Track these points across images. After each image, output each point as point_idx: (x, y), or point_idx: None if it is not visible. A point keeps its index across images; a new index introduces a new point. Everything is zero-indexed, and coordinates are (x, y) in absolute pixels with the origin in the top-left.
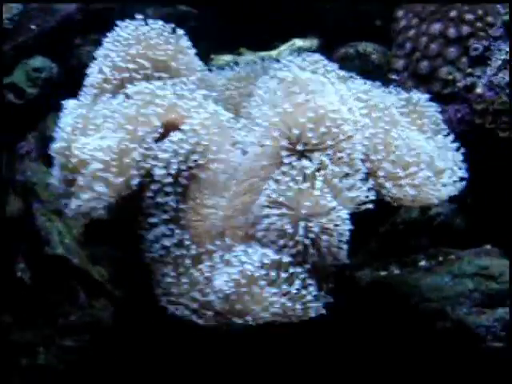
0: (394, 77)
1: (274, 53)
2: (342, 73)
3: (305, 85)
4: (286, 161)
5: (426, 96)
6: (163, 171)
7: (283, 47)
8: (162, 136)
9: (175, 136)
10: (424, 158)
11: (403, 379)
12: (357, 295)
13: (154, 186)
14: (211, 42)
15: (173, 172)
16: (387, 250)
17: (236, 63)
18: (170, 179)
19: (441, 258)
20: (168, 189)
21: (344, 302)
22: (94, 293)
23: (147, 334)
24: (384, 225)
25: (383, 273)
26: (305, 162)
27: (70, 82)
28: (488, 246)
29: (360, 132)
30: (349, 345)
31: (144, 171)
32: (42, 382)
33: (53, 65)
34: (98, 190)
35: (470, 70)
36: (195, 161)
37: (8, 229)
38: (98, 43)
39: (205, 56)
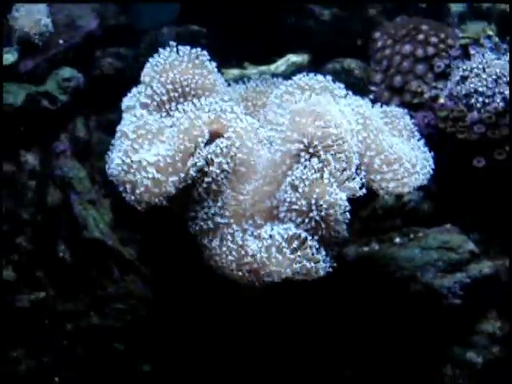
0: (372, 88)
1: (273, 67)
2: (342, 91)
3: (314, 104)
4: (302, 159)
5: (401, 109)
6: (216, 166)
7: (280, 62)
8: (210, 141)
9: (222, 141)
10: (404, 157)
11: (383, 333)
12: (345, 267)
13: (207, 179)
14: (220, 57)
15: (224, 167)
16: (368, 230)
17: (242, 76)
18: (223, 173)
19: (412, 236)
20: (220, 180)
21: (333, 275)
22: (125, 269)
23: (190, 294)
24: (366, 209)
25: (366, 248)
26: (315, 160)
27: (94, 90)
28: (448, 225)
29: (356, 136)
30: (342, 301)
31: (198, 168)
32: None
33: (79, 75)
34: (159, 190)
35: (434, 84)
36: (236, 159)
37: (50, 217)
38: (116, 56)
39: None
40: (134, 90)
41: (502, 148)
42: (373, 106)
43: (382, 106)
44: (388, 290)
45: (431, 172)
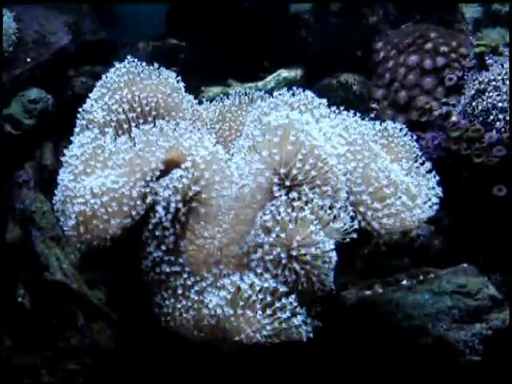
0: (373, 106)
1: (260, 84)
2: (327, 109)
3: (292, 125)
4: (276, 194)
5: (401, 126)
6: (163, 206)
7: (269, 78)
8: (165, 173)
9: (176, 173)
10: (400, 187)
11: None
12: (343, 315)
13: (154, 220)
14: (201, 73)
15: (172, 207)
16: (371, 270)
17: (224, 94)
18: (169, 214)
19: (421, 277)
20: (167, 223)
21: (331, 323)
22: (92, 316)
23: (145, 352)
24: (368, 246)
25: (368, 292)
26: (294, 195)
27: (65, 112)
28: (465, 265)
29: (343, 166)
30: (338, 363)
31: (146, 206)
32: None
33: (48, 96)
34: (102, 226)
35: (445, 99)
36: (194, 195)
37: (8, 255)
38: (90, 74)
39: (195, 88)
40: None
41: None
42: (365, 124)
43: (375, 124)
44: (393, 343)
45: (437, 203)
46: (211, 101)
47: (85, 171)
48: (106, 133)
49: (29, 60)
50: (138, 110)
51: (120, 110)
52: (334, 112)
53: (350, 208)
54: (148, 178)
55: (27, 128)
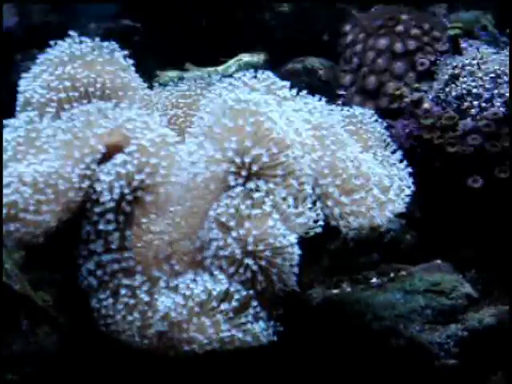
0: (341, 92)
1: (220, 68)
2: (290, 92)
3: (250, 107)
4: (232, 184)
5: (370, 112)
6: (105, 195)
7: (230, 62)
8: (107, 159)
9: (119, 158)
10: (372, 179)
11: None
12: (308, 316)
13: (95, 211)
14: (157, 57)
15: (115, 196)
16: (338, 267)
17: (180, 79)
18: (112, 204)
19: (392, 275)
20: (110, 214)
21: (295, 324)
22: (37, 320)
23: (91, 360)
24: (335, 242)
25: (335, 291)
26: (252, 186)
27: (11, 100)
28: (438, 261)
29: (307, 155)
30: (303, 369)
31: (84, 195)
32: None
33: None
34: (34, 218)
35: (417, 85)
36: (140, 184)
37: None
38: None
39: (150, 72)
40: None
41: (503, 164)
42: (332, 109)
43: (342, 109)
44: (363, 346)
45: (409, 195)
46: (165, 86)
47: (15, 157)
48: (43, 115)
49: None
50: (82, 89)
51: (60, 87)
52: (298, 95)
53: (314, 200)
54: (88, 161)
55: None
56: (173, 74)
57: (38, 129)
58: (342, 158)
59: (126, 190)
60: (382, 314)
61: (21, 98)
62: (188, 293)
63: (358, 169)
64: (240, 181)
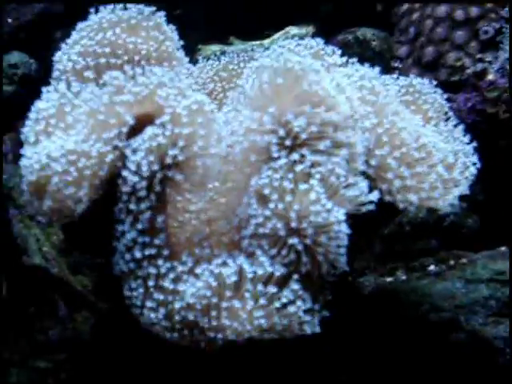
0: (396, 65)
1: (266, 42)
2: (341, 58)
3: (296, 72)
4: (275, 156)
5: (429, 81)
6: (135, 172)
7: (277, 35)
8: (138, 130)
9: (150, 130)
10: (435, 154)
11: None
12: (359, 305)
13: (125, 190)
14: (200, 31)
15: (146, 173)
16: (392, 253)
17: (223, 53)
18: (143, 182)
19: (452, 262)
20: (142, 192)
21: (344, 314)
22: (75, 305)
23: (126, 351)
24: (389, 225)
25: (389, 279)
26: (296, 158)
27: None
28: (503, 248)
29: (360, 123)
30: (352, 364)
31: (114, 173)
32: None
33: (31, 60)
34: (61, 197)
35: (480, 56)
36: (174, 158)
37: None
38: None
39: (192, 47)
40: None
41: None
42: (387, 79)
43: (398, 79)
44: (419, 339)
45: (475, 174)
46: (207, 60)
47: (46, 132)
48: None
49: (10, 21)
50: (125, 57)
51: (100, 51)
52: (349, 63)
53: (368, 174)
54: (113, 135)
55: (7, 95)
56: (215, 47)
57: (69, 99)
58: (401, 127)
59: (156, 167)
60: (440, 305)
61: (56, 68)
62: (219, 276)
63: (418, 141)
64: (284, 152)
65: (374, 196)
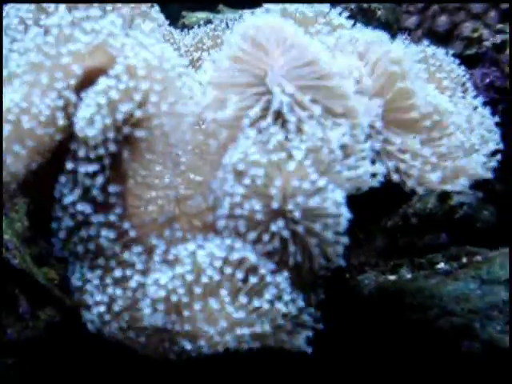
0: (404, 37)
1: (259, 10)
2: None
3: (280, 29)
4: (254, 118)
5: (443, 50)
6: (84, 134)
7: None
8: (87, 86)
9: (101, 83)
10: (451, 123)
11: None
12: (357, 307)
13: (72, 157)
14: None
15: (98, 135)
16: (396, 248)
17: (209, 22)
18: (95, 146)
19: (464, 260)
20: (92, 161)
21: (340, 317)
22: (38, 300)
23: (85, 356)
24: (392, 217)
25: (392, 277)
26: (280, 123)
27: None
28: None
29: (366, 81)
30: (348, 377)
31: (59, 135)
32: None
33: None
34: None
35: (500, 26)
36: (127, 116)
37: None
38: None
39: (176, 16)
40: None
41: None
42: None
43: (410, 44)
44: (425, 348)
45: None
46: (192, 28)
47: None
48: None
49: None
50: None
51: None
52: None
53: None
54: (60, 88)
55: None
56: (202, 15)
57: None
58: (412, 90)
59: (108, 120)
60: (451, 309)
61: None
62: (188, 266)
63: (430, 107)
64: (266, 118)
65: (379, 169)
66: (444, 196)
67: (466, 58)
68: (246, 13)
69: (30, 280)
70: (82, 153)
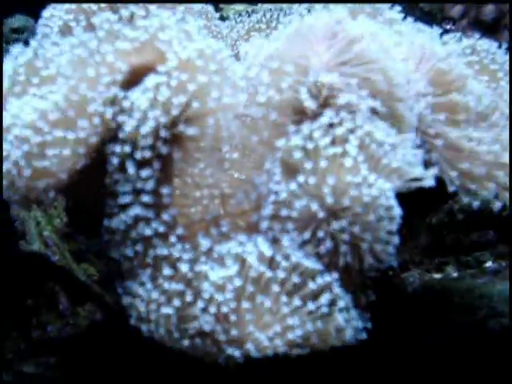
0: (448, 27)
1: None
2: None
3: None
4: (309, 112)
5: (494, 43)
6: (132, 132)
7: None
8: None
9: (150, 80)
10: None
11: None
12: (401, 306)
13: (120, 155)
14: None
15: (148, 132)
16: (441, 245)
17: (253, 11)
18: (145, 142)
19: None
20: (143, 156)
21: (385, 316)
22: (78, 297)
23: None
24: (438, 213)
25: (437, 275)
26: (331, 116)
27: None
28: None
29: (413, 84)
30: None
31: (107, 134)
32: None
33: (35, 24)
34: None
35: None
36: (181, 113)
37: None
38: None
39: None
40: None
41: None
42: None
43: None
44: (475, 350)
45: None
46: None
47: (12, 91)
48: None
49: None
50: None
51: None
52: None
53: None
54: (107, 83)
55: None
56: (240, 7)
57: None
58: (462, 88)
59: (163, 120)
60: (501, 310)
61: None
62: (238, 265)
63: (481, 103)
64: (315, 110)
65: (432, 171)
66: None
67: None
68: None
69: (69, 276)
70: (128, 151)
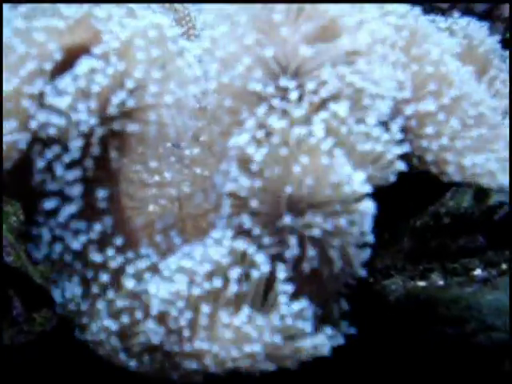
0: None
1: None
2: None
3: None
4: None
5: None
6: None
7: None
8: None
9: (82, 65)
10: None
11: None
12: (382, 316)
13: (49, 153)
14: None
15: (83, 128)
16: (426, 250)
17: None
18: (78, 140)
19: (504, 266)
20: (74, 154)
21: (363, 328)
22: (34, 302)
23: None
24: (422, 216)
25: (421, 283)
26: (294, 96)
27: None
28: None
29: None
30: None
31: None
32: None
33: None
34: None
35: None
36: (121, 106)
37: None
38: None
39: None
40: None
41: None
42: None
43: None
44: (461, 367)
45: None
46: None
47: None
48: None
49: None
50: None
51: None
52: None
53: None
54: (32, 70)
55: None
56: None
57: None
58: (449, 69)
59: (93, 121)
60: (491, 322)
61: None
62: (187, 275)
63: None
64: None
65: (405, 148)
66: (481, 194)
67: (508, 42)
68: None
69: (25, 279)
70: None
